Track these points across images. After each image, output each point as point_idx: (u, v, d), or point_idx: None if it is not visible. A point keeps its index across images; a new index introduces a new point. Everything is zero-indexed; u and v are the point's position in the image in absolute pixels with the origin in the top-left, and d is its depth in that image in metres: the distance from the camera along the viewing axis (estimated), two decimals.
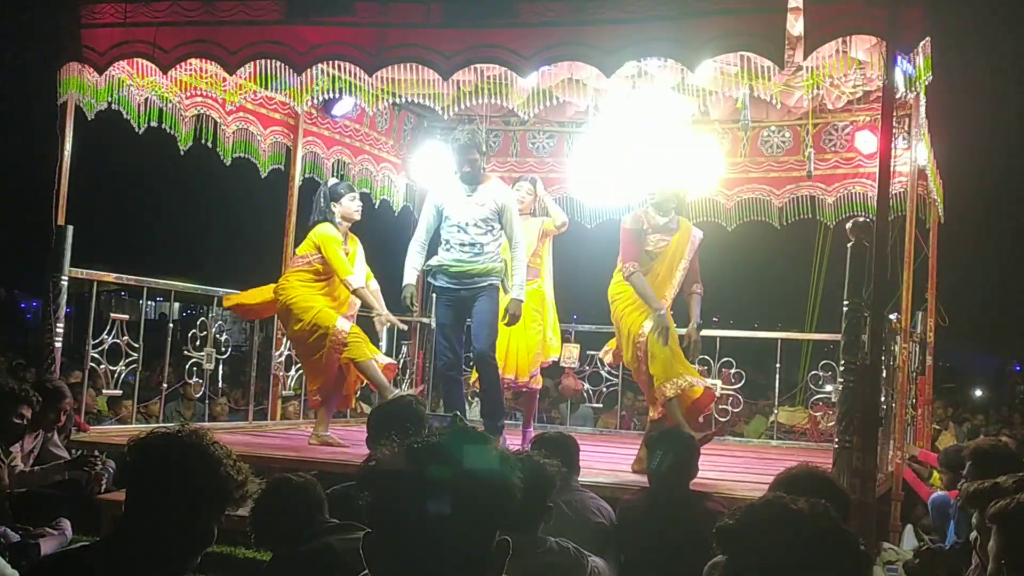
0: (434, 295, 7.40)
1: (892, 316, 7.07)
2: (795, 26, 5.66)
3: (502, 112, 8.94)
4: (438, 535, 1.66)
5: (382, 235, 9.04)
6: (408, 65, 6.24)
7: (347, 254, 7.23)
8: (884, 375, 6.67)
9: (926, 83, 5.80)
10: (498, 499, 1.72)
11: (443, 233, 6.81)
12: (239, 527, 3.65)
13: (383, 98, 7.28)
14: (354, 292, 7.15)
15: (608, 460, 6.95)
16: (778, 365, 9.23)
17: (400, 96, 7.27)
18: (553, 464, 3.86)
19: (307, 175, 8.97)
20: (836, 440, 5.46)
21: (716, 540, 1.84)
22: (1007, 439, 8.57)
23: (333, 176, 8.68)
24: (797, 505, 1.81)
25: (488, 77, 6.75)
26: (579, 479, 5.03)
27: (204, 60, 6.65)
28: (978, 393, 21.92)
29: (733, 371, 9.13)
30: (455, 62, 6.05)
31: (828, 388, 8.91)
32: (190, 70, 6.84)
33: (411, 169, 9.76)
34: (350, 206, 7.29)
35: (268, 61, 6.36)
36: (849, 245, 5.49)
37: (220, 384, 9.35)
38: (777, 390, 9.52)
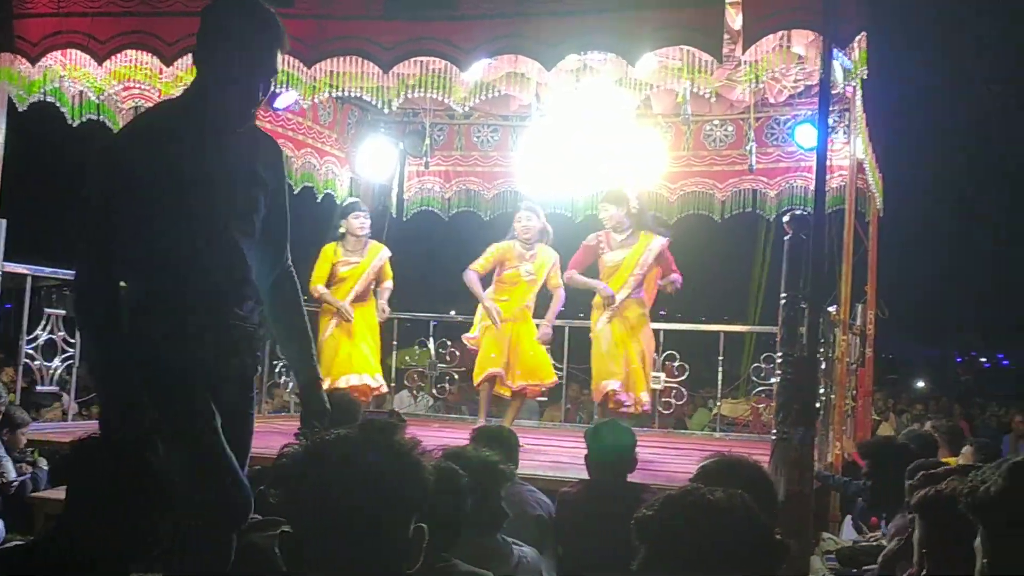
0: None
1: (831, 308, 7.15)
2: (735, 20, 5.70)
3: (446, 105, 8.90)
4: (349, 528, 1.66)
5: (325, 230, 9.00)
6: (349, 58, 6.21)
7: (355, 264, 8.16)
8: (823, 367, 6.75)
9: (862, 77, 5.86)
10: (407, 490, 1.72)
11: None
12: None
13: (322, 90, 7.21)
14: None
15: (551, 453, 6.96)
16: (720, 358, 9.30)
17: (341, 89, 7.22)
18: (491, 458, 3.85)
19: None
20: (774, 431, 5.51)
21: (634, 531, 1.85)
22: (931, 426, 8.71)
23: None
24: (714, 496, 1.82)
25: (432, 70, 6.73)
26: (519, 472, 5.03)
27: (141, 51, 6.54)
28: (920, 384, 22.28)
29: (676, 364, 9.18)
30: (395, 55, 6.02)
31: (771, 380, 8.98)
32: (126, 61, 6.72)
33: (355, 163, 9.70)
34: (353, 223, 8.12)
35: None
36: (786, 238, 5.53)
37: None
38: (720, 383, 9.60)
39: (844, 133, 8.14)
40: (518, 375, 7.74)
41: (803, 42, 6.23)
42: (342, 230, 8.15)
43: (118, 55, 6.47)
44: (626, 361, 7.49)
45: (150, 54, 6.46)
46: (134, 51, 6.53)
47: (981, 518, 2.03)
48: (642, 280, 7.56)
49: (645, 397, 7.55)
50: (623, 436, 4.88)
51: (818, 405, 6.37)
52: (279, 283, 3.28)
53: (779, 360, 5.58)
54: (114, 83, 7.19)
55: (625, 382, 7.45)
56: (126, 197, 2.97)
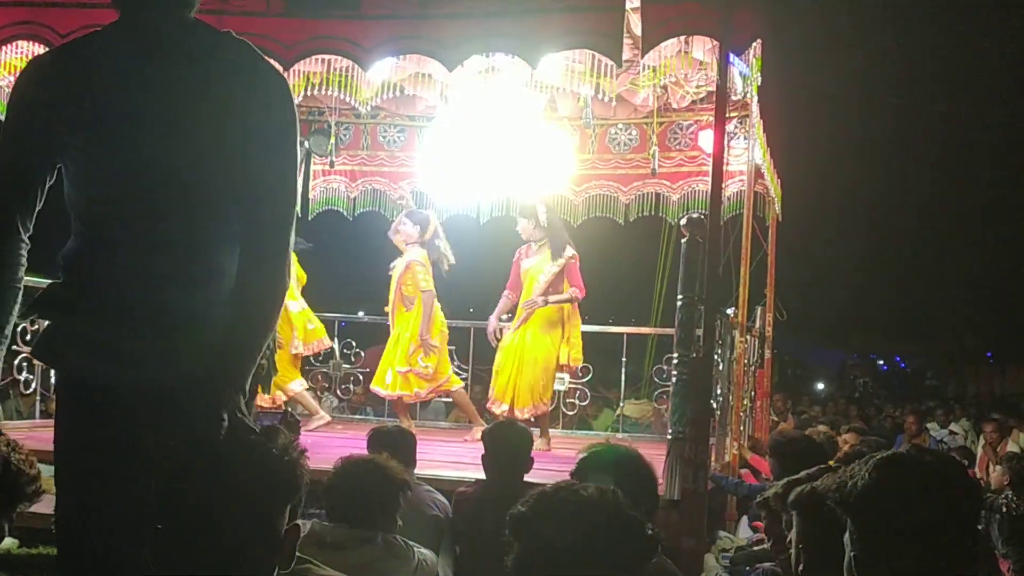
0: None
1: (729, 311, 7.28)
2: (637, 25, 5.77)
3: (352, 105, 8.84)
4: (213, 524, 1.65)
5: None
6: None
7: None
8: (720, 368, 6.87)
9: (757, 84, 5.98)
10: (274, 487, 1.72)
11: None
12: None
13: None
14: None
15: (452, 453, 6.96)
16: (623, 359, 9.39)
17: None
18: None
19: None
20: (670, 431, 5.59)
21: (508, 528, 1.86)
22: (824, 428, 8.90)
23: None
24: (586, 492, 1.84)
25: (335, 69, 6.69)
26: (418, 473, 5.02)
27: (33, 43, 6.36)
28: (820, 386, 22.77)
29: (580, 365, 9.23)
30: (296, 52, 5.96)
31: (671, 381, 9.08)
32: (18, 53, 6.54)
33: None
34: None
35: None
36: (683, 241, 5.61)
37: (53, 380, 8.96)
38: (623, 383, 9.69)
39: (744, 138, 8.28)
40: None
41: (704, 48, 6.34)
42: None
43: (9, 46, 6.29)
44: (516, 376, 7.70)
45: (43, 46, 6.28)
46: (27, 42, 6.37)
47: (848, 513, 2.08)
48: (547, 289, 7.67)
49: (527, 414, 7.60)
50: (519, 436, 4.91)
51: (714, 406, 6.49)
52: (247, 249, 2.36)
53: (675, 361, 5.66)
54: (5, 75, 6.99)
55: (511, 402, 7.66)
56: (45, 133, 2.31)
